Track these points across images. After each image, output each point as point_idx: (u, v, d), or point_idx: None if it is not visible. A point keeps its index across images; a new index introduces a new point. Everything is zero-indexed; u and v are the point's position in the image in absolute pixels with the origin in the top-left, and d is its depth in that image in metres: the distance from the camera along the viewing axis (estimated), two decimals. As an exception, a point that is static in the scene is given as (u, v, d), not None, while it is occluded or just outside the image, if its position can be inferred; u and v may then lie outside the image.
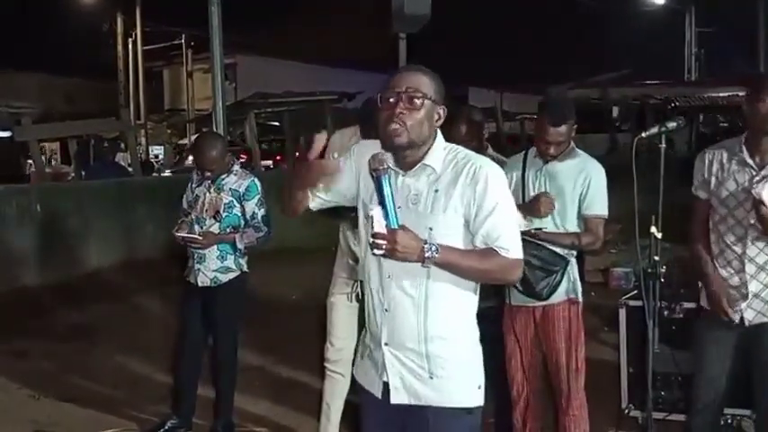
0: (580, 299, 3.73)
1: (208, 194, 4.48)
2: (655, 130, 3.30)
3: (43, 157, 18.18)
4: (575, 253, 3.71)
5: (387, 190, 2.27)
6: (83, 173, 12.54)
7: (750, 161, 3.22)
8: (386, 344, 2.39)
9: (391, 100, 2.31)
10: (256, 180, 4.54)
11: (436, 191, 2.34)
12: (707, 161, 3.38)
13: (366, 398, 2.52)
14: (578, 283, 3.73)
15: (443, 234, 2.31)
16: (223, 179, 4.47)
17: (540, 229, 3.61)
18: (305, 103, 17.27)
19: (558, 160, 3.66)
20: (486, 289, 3.84)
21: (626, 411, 4.48)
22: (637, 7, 29.92)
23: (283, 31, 32.19)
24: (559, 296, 3.67)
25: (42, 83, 30.33)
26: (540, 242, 3.61)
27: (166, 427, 4.58)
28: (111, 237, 9.19)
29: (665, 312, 4.25)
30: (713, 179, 3.34)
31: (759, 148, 3.21)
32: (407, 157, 2.37)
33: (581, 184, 3.62)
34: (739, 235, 3.25)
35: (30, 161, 16.88)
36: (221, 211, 4.44)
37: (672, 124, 3.31)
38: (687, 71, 29.79)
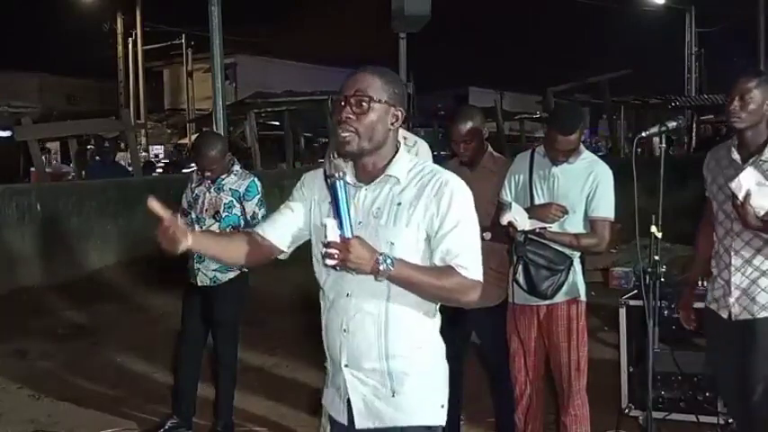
0: (583, 298, 3.73)
1: (208, 194, 4.48)
2: (655, 129, 3.30)
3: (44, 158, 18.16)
4: (579, 252, 3.71)
5: (342, 197, 2.16)
6: (83, 172, 12.55)
7: (736, 156, 3.27)
8: (346, 365, 2.29)
9: (341, 104, 2.21)
10: (256, 180, 4.53)
11: (399, 204, 2.23)
12: (707, 159, 3.45)
13: (336, 429, 2.43)
14: (582, 283, 3.73)
15: (405, 249, 2.21)
16: (223, 179, 4.47)
17: (545, 228, 3.61)
18: (305, 103, 17.27)
19: (567, 162, 3.66)
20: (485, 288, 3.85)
21: (626, 411, 4.48)
22: (637, 7, 29.93)
23: (283, 31, 32.23)
24: (563, 295, 3.67)
25: (42, 83, 30.34)
26: (544, 241, 3.61)
27: (166, 427, 4.58)
28: (111, 237, 9.19)
29: (665, 312, 4.25)
30: (709, 176, 3.41)
31: (744, 144, 3.26)
32: (367, 166, 2.27)
33: (589, 186, 3.63)
34: (727, 228, 3.30)
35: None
36: (221, 211, 4.44)
37: (672, 124, 3.31)
38: (687, 71, 29.81)
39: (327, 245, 2.13)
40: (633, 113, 24.40)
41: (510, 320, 3.80)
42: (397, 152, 2.29)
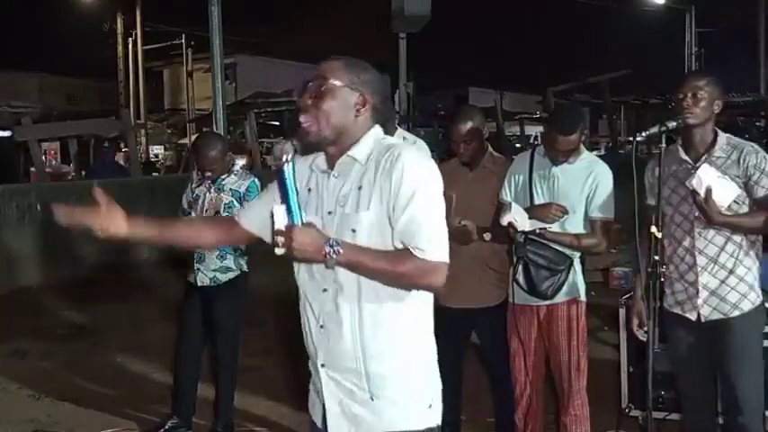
0: (583, 298, 3.73)
1: (208, 194, 4.48)
2: (655, 129, 3.30)
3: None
4: (579, 253, 3.71)
5: (289, 182, 2.05)
6: (83, 173, 12.57)
7: (686, 157, 3.30)
8: (323, 365, 2.18)
9: (302, 91, 2.15)
10: (257, 180, 4.53)
11: (360, 188, 2.11)
12: (649, 168, 3.45)
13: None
14: (582, 283, 3.73)
15: (367, 235, 2.08)
16: (223, 179, 4.47)
17: (545, 228, 3.60)
18: (305, 102, 17.27)
19: (567, 162, 3.66)
20: (485, 288, 3.85)
21: (626, 411, 4.48)
22: (637, 7, 29.98)
23: (283, 31, 32.25)
24: (563, 296, 3.67)
25: (42, 83, 30.38)
26: (544, 241, 3.61)
27: (166, 427, 4.58)
28: (111, 237, 9.18)
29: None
30: (656, 182, 3.36)
31: (692, 144, 3.29)
32: (334, 154, 2.17)
33: (588, 187, 3.62)
34: (687, 229, 3.30)
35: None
36: (221, 211, 4.43)
37: (672, 124, 3.31)
38: (687, 71, 29.79)
39: (275, 232, 2.03)
40: (633, 113, 24.43)
41: (510, 320, 3.80)
42: (365, 134, 2.17)
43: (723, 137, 3.28)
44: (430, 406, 2.19)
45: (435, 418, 2.19)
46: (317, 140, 2.15)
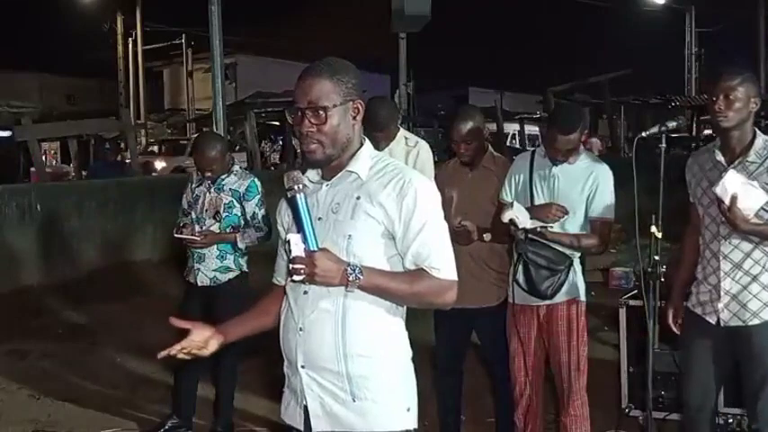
0: (583, 298, 3.73)
1: (208, 194, 4.48)
2: (655, 129, 3.30)
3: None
4: (579, 253, 3.71)
5: (303, 211, 2.12)
6: (83, 173, 12.57)
7: (720, 159, 3.21)
8: (302, 366, 2.21)
9: (299, 115, 2.15)
10: (256, 180, 4.53)
11: (358, 197, 2.17)
12: (689, 164, 3.40)
13: None
14: (582, 283, 3.73)
15: (362, 242, 2.14)
16: (223, 179, 4.47)
17: (546, 228, 3.61)
18: (305, 102, 17.29)
19: (567, 162, 3.66)
20: (485, 288, 3.85)
21: (626, 411, 4.48)
22: (637, 7, 29.98)
23: (283, 31, 32.25)
24: (563, 296, 3.66)
25: (42, 83, 30.39)
26: (544, 241, 3.61)
27: (166, 427, 4.58)
28: (111, 237, 9.18)
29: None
30: (693, 180, 3.35)
31: (729, 146, 3.20)
32: (335, 166, 2.22)
33: (589, 187, 3.62)
34: (714, 232, 3.24)
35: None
36: (221, 212, 4.44)
37: (672, 124, 3.31)
38: (687, 71, 29.84)
39: (293, 260, 2.07)
40: (633, 113, 24.44)
41: (510, 320, 3.80)
42: (361, 147, 2.23)
43: (761, 139, 3.16)
44: (408, 409, 2.24)
45: (413, 422, 2.24)
46: (325, 161, 2.19)
